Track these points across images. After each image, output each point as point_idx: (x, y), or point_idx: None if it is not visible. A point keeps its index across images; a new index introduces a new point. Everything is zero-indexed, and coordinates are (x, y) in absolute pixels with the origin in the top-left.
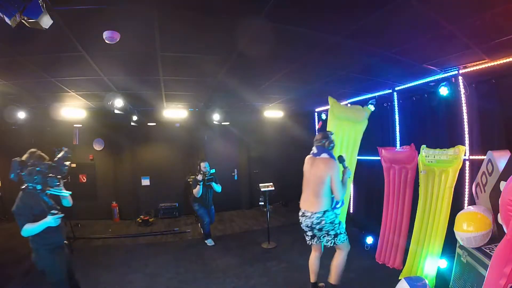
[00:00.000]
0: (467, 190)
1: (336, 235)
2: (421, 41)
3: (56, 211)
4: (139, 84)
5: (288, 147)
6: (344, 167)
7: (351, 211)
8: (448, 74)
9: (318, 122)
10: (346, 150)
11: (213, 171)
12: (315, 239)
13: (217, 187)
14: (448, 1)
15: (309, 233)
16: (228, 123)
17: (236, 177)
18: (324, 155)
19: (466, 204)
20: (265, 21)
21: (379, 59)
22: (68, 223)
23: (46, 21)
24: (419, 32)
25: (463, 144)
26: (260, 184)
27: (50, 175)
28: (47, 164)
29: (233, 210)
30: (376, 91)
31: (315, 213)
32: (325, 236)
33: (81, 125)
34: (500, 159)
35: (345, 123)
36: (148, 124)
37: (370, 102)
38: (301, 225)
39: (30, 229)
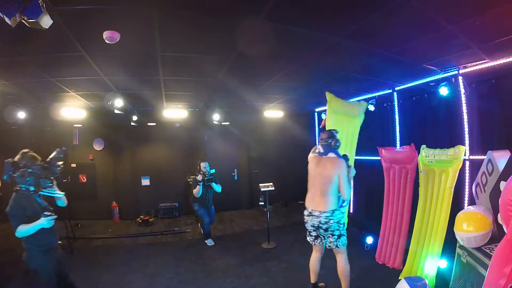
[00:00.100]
0: (467, 190)
1: (339, 236)
2: (421, 41)
3: (49, 213)
4: (139, 84)
5: (288, 147)
6: (348, 166)
7: (351, 211)
8: (448, 74)
9: (320, 122)
10: (345, 145)
11: (213, 171)
12: (319, 240)
13: (217, 187)
14: (448, 1)
15: (313, 233)
16: (228, 123)
17: (236, 177)
18: (331, 154)
19: (466, 204)
20: (265, 21)
21: (379, 59)
22: (68, 223)
23: (46, 21)
24: (419, 32)
25: (463, 144)
26: (260, 184)
27: (43, 176)
28: (39, 165)
29: (233, 210)
30: (376, 91)
31: (323, 212)
32: (329, 236)
33: (81, 125)
34: (500, 159)
35: (343, 118)
36: (148, 124)
37: (370, 102)
38: (306, 225)
39: (24, 230)
